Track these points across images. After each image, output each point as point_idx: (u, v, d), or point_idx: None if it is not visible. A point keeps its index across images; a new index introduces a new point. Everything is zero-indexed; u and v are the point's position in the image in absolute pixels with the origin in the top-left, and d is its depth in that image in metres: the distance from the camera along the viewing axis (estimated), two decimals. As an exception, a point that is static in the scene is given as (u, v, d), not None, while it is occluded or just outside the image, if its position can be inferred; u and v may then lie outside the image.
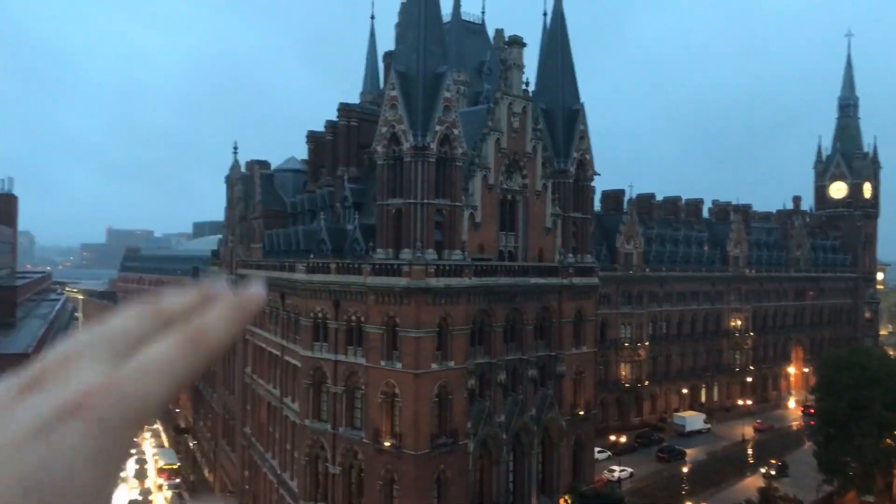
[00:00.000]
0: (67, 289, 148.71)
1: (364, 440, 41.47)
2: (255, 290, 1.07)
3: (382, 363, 40.89)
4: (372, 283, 41.19)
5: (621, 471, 59.28)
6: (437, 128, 41.05)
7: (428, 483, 39.87)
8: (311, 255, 47.45)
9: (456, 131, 41.83)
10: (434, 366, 40.36)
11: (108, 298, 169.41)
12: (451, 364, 41.10)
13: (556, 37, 52.66)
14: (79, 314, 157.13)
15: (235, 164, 70.60)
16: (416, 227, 40.70)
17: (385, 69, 63.43)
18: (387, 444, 40.12)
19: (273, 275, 51.97)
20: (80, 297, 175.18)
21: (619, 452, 63.92)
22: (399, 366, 40.27)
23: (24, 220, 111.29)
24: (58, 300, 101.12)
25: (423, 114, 41.02)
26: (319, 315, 45.11)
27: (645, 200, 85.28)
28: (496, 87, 48.23)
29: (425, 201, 40.74)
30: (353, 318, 42.92)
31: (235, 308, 1.04)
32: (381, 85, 64.51)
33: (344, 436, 42.93)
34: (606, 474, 58.16)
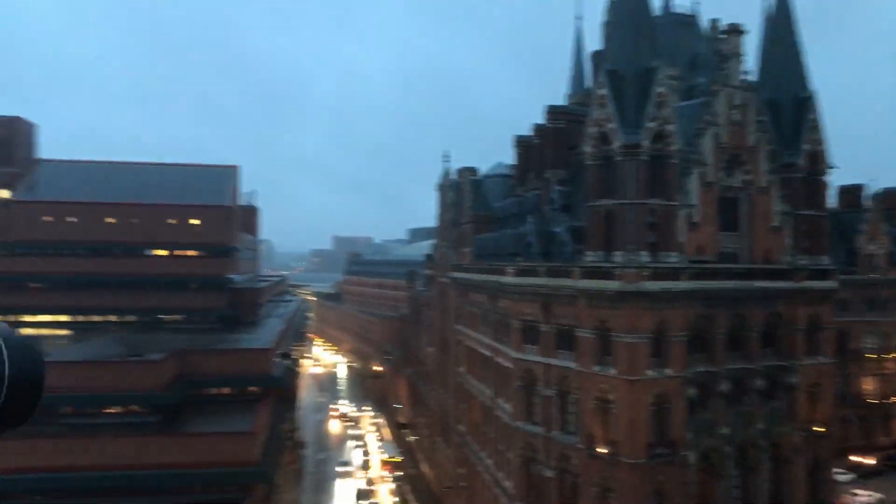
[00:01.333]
0: (300, 291, 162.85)
1: (578, 445, 40.95)
2: None
3: (595, 368, 40.14)
4: (582, 286, 40.61)
5: (868, 495, 53.30)
6: (650, 124, 39.59)
7: (646, 493, 38.47)
8: (520, 258, 47.83)
9: (670, 127, 40.07)
10: (650, 373, 38.89)
11: (333, 299, 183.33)
12: (669, 371, 39.36)
13: (781, 20, 48.64)
14: (311, 313, 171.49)
15: (446, 173, 73.22)
16: (627, 229, 39.53)
17: (592, 69, 62.46)
18: (601, 450, 39.29)
19: (483, 278, 53.11)
20: (312, 297, 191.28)
21: (864, 475, 57.58)
22: (612, 371, 39.30)
23: (264, 230, 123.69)
24: (292, 301, 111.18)
25: (634, 111, 39.77)
26: (529, 318, 45.31)
27: (892, 195, 76.06)
28: (712, 80, 45.55)
29: (637, 201, 39.43)
30: (564, 321, 42.58)
31: None
32: (588, 85, 63.62)
33: (557, 439, 42.70)
34: (849, 498, 52.59)
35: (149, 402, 46.94)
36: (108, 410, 47.31)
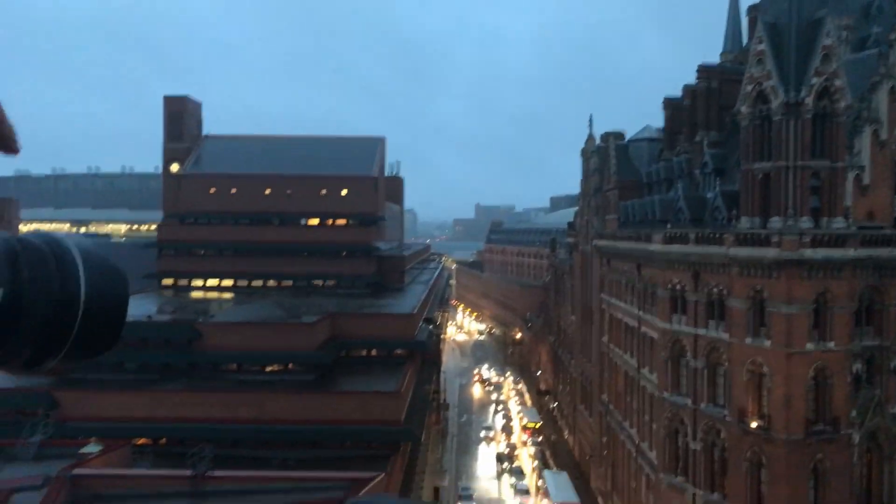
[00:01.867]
0: (443, 258, 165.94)
1: (727, 419, 39.39)
2: None
3: (748, 340, 38.25)
4: (736, 254, 38.63)
5: None
6: (814, 80, 36.70)
7: (802, 472, 36.49)
8: (668, 225, 46.15)
9: (837, 82, 36.95)
10: (809, 346, 36.57)
11: (476, 267, 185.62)
12: (831, 345, 36.83)
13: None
14: (453, 281, 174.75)
15: (590, 137, 71.62)
16: (787, 193, 37.08)
17: (749, 24, 58.54)
18: (753, 425, 37.57)
19: (629, 246, 51.79)
20: (454, 265, 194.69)
21: None
22: (767, 344, 37.30)
23: (409, 199, 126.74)
24: (436, 268, 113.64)
25: (796, 66, 36.98)
26: (677, 287, 43.78)
27: None
28: (889, 28, 41.42)
29: (799, 163, 36.84)
30: (714, 290, 40.80)
31: None
32: (744, 43, 59.75)
33: (705, 412, 41.28)
34: None
35: (304, 361, 49.83)
36: (268, 368, 50.73)
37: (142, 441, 43.45)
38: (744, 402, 38.20)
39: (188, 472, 30.80)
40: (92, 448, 33.93)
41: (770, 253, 36.69)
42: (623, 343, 55.17)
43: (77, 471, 30.06)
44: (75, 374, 47.58)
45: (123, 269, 1.27)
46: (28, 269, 1.09)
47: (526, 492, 62.60)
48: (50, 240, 1.13)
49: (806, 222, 36.82)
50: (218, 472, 31.10)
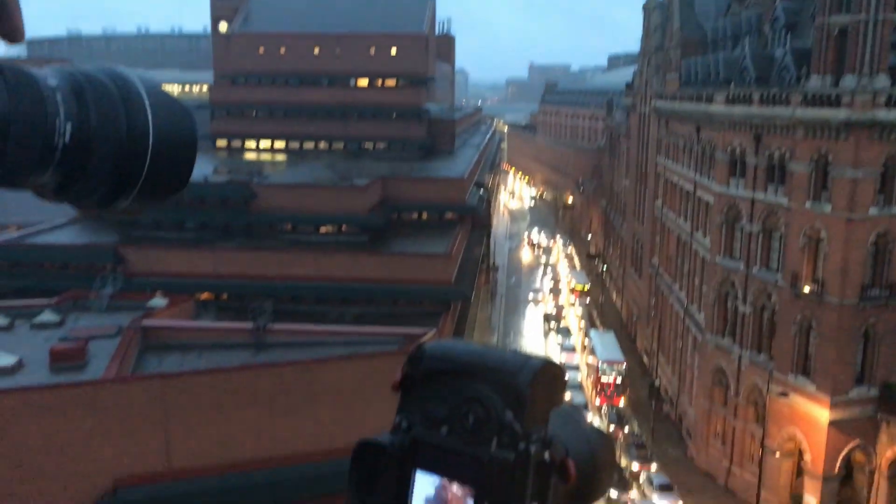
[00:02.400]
0: (495, 121, 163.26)
1: (779, 283, 39.17)
2: None
3: (807, 205, 37.26)
4: (802, 115, 36.90)
5: None
6: (906, -79, 33.33)
7: (853, 335, 36.52)
8: (732, 85, 44.05)
9: (932, -77, 33.53)
10: (873, 211, 35.47)
11: (528, 131, 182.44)
12: (895, 210, 35.69)
13: None
14: (504, 144, 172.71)
15: (653, -10, 67.39)
16: (863, 49, 34.72)
17: None
18: (806, 289, 37.31)
19: (689, 106, 49.89)
20: (505, 128, 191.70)
21: None
22: (828, 208, 36.29)
23: (460, 59, 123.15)
24: (487, 131, 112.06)
25: None
26: (737, 150, 42.40)
27: None
28: None
29: (880, 16, 34.21)
30: (776, 153, 39.40)
31: None
32: None
33: (757, 276, 41.07)
34: None
35: (357, 223, 50.72)
36: (322, 230, 51.87)
37: (204, 296, 45.59)
38: (798, 267, 37.78)
39: (250, 325, 32.40)
40: (157, 302, 35.74)
41: (840, 114, 34.94)
42: (677, 207, 54.43)
43: (147, 322, 31.87)
44: (138, 232, 49.52)
45: (190, 110, 1.20)
46: (95, 103, 1.04)
47: (572, 350, 64.40)
48: (113, 74, 1.07)
49: (881, 81, 34.67)
50: (278, 326, 32.63)
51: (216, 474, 24.74)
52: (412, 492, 0.98)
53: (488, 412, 0.96)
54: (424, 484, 0.98)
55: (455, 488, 0.95)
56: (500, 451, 0.93)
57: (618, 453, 37.73)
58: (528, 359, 1.02)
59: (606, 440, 1.17)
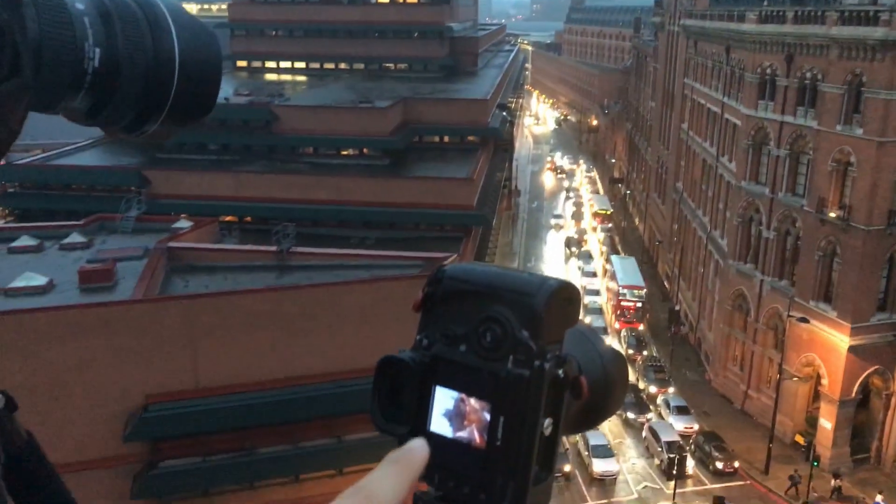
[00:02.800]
0: (519, 40, 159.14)
1: (805, 208, 38.66)
2: (419, 446, 0.99)
3: (838, 128, 36.35)
4: (837, 34, 35.57)
5: None
6: None
7: (877, 261, 36.22)
8: (765, 3, 42.42)
9: None
10: (905, 134, 34.55)
11: (553, 50, 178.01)
12: (929, 133, 34.73)
13: None
14: (528, 65, 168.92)
15: None
16: (906, -37, 33.09)
17: None
18: (832, 214, 36.82)
19: (719, 25, 48.24)
20: (530, 48, 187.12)
21: None
22: (859, 132, 35.40)
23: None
24: (511, 51, 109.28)
25: None
26: (767, 71, 41.17)
27: None
28: None
29: (926, -73, 32.46)
30: (808, 74, 38.23)
31: (396, 471, 0.96)
32: None
33: (783, 201, 40.54)
34: None
35: (378, 146, 50.41)
36: (343, 152, 51.68)
37: (228, 218, 46.02)
38: (825, 192, 37.20)
39: (273, 248, 32.81)
40: (182, 224, 36.20)
41: (877, 32, 33.65)
42: (704, 130, 53.38)
43: (172, 243, 32.37)
44: (162, 154, 49.70)
45: (213, 32, 1.19)
46: (122, 27, 1.04)
47: (593, 275, 64.59)
48: None
49: (923, -3, 33.18)
50: (300, 249, 33.00)
51: (241, 392, 25.57)
52: (432, 405, 1.02)
53: (505, 331, 0.99)
54: (444, 398, 1.02)
55: (472, 402, 0.99)
56: (516, 368, 0.96)
57: (634, 376, 38.11)
58: (544, 280, 1.04)
59: (619, 359, 1.20)
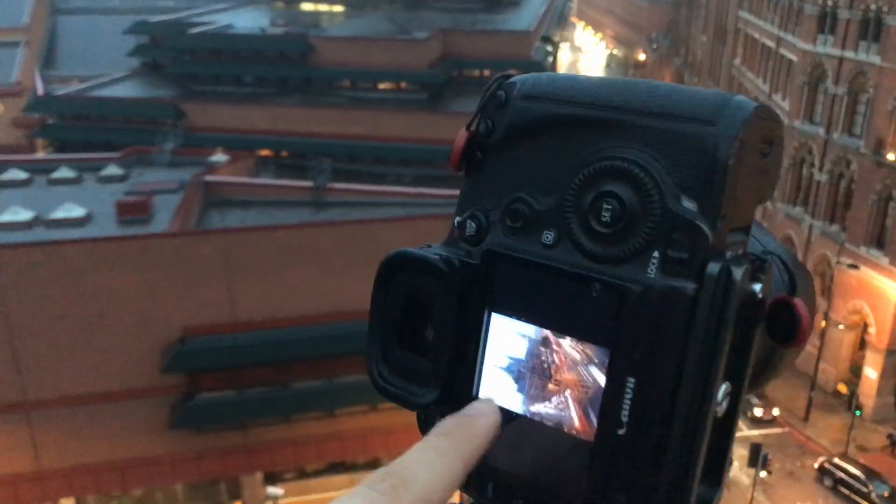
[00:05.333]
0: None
1: (862, 150, 36.88)
2: (482, 411, 0.57)
3: (903, 64, 34.31)
4: (909, -39, 33.20)
5: None
6: None
7: (936, 208, 34.60)
8: (831, -73, 39.71)
9: None
10: (977, 71, 32.45)
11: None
12: None
13: None
14: (573, 2, 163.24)
15: None
16: None
17: None
18: (890, 156, 35.07)
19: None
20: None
21: None
22: (925, 68, 33.39)
23: None
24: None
25: None
26: (828, 2, 38.80)
27: None
28: None
29: None
30: (873, 6, 35.93)
31: (444, 450, 0.57)
32: None
33: (838, 143, 38.73)
34: None
35: (416, 80, 49.25)
36: (381, 86, 50.65)
37: (264, 153, 45.72)
38: (884, 133, 35.40)
39: (309, 184, 32.45)
40: (218, 158, 35.99)
41: (953, -40, 31.28)
42: (757, 66, 51.08)
43: (208, 177, 32.21)
44: (198, 86, 49.27)
45: None
46: None
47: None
48: None
49: None
50: (337, 185, 32.60)
51: (277, 327, 25.62)
52: (484, 351, 0.56)
53: (644, 199, 0.50)
54: (509, 338, 0.54)
55: (569, 347, 0.52)
56: (667, 276, 0.49)
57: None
58: (728, 99, 0.56)
59: (810, 276, 0.70)
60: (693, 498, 0.48)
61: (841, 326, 37.74)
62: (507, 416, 0.54)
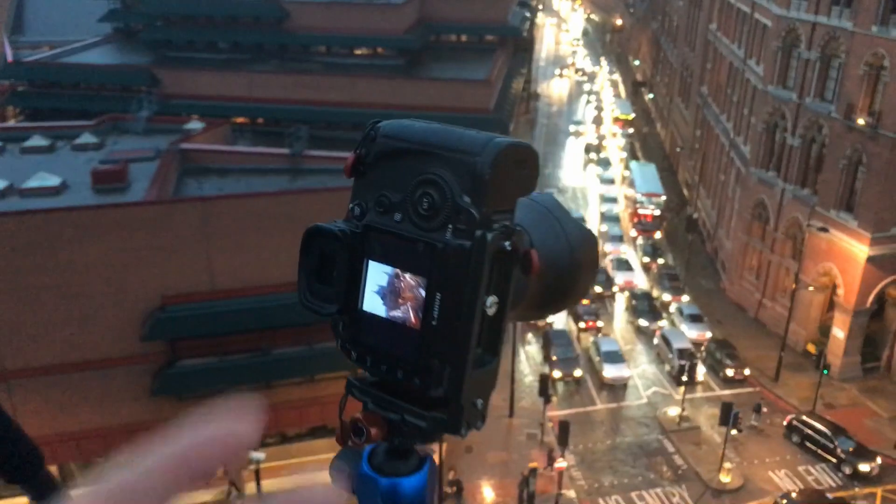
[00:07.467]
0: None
1: (833, 115, 37.40)
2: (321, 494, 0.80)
3: (874, 29, 34.64)
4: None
5: None
6: None
7: (903, 171, 35.29)
8: None
9: None
10: (945, 35, 32.92)
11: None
12: (971, 35, 33.06)
13: None
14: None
15: None
16: None
17: None
18: (860, 121, 35.63)
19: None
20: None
21: None
22: (895, 33, 33.75)
23: None
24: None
25: None
26: (804, -33, 39.01)
27: None
28: None
29: None
30: (847, -29, 36.18)
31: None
32: None
33: (810, 107, 39.21)
34: None
35: (393, 45, 48.93)
36: (357, 52, 50.26)
37: (240, 120, 45.38)
38: (854, 98, 35.89)
39: (286, 151, 32.38)
40: (194, 125, 35.73)
41: (924, -76, 31.51)
42: (732, 31, 51.24)
43: (184, 145, 32.03)
44: (172, 52, 48.60)
45: None
46: None
47: (611, 182, 63.73)
48: None
49: None
50: (314, 152, 32.56)
51: (256, 294, 25.80)
52: (365, 282, 0.94)
53: (444, 196, 0.90)
54: (377, 274, 0.94)
55: (408, 278, 0.91)
56: (456, 238, 0.89)
57: (649, 284, 37.95)
58: (491, 138, 0.93)
59: (589, 239, 1.10)
60: (471, 358, 0.89)
61: (811, 288, 38.62)
62: (376, 318, 0.93)
